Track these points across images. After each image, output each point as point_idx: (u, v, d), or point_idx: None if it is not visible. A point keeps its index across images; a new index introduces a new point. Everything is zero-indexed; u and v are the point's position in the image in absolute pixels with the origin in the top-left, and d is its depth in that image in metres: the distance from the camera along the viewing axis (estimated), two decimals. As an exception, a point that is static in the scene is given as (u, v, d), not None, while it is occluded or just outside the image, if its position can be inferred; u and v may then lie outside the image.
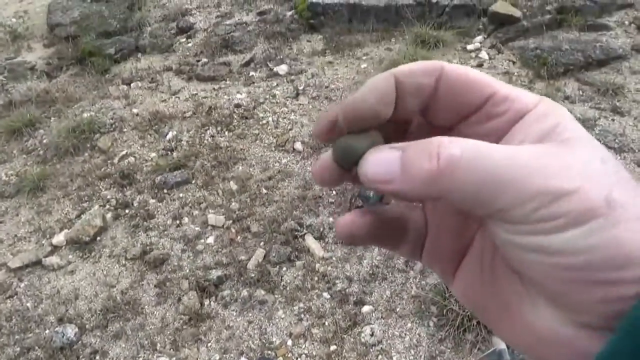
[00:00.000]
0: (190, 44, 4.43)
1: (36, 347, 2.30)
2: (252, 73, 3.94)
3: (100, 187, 3.12)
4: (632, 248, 0.22)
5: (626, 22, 3.87)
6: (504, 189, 0.23)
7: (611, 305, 0.22)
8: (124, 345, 2.29)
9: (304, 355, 2.16)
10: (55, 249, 2.78)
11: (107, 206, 2.98)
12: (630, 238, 0.22)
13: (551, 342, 0.25)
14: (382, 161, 0.26)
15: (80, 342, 2.32)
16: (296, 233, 2.64)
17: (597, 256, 0.22)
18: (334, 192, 2.86)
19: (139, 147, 3.38)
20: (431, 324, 2.20)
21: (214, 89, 3.82)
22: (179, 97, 3.78)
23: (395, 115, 0.29)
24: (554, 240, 0.23)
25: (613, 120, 3.11)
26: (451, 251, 0.32)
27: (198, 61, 4.16)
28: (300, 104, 3.56)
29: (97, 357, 2.25)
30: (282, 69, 3.90)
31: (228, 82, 3.89)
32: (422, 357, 2.09)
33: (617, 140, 2.95)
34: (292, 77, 3.83)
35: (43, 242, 2.83)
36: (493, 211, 0.24)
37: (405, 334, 2.18)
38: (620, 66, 3.51)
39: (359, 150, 0.28)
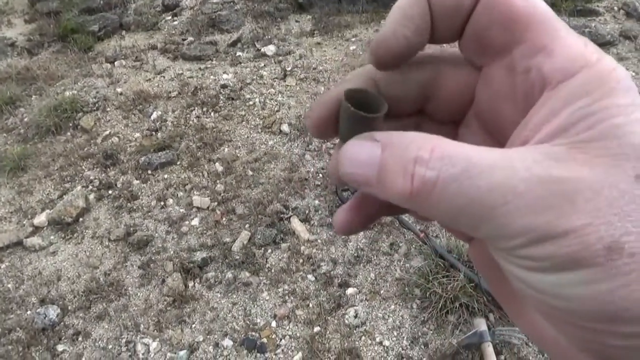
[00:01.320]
0: (176, 22, 4.34)
1: (17, 328, 2.28)
2: (239, 53, 3.87)
3: (83, 167, 3.07)
4: (625, 305, 0.18)
5: (615, 8, 3.87)
6: (486, 219, 0.19)
7: (601, 350, 0.20)
8: (107, 327, 2.27)
9: (288, 337, 2.17)
10: (36, 229, 2.74)
11: (90, 187, 2.93)
12: (627, 295, 0.17)
13: (550, 346, 0.23)
14: (360, 160, 0.22)
15: (62, 323, 2.30)
16: (282, 215, 2.63)
17: (581, 306, 0.19)
18: (320, 175, 2.85)
19: (122, 127, 3.33)
20: (414, 306, 2.21)
21: (200, 68, 3.75)
22: (164, 77, 3.71)
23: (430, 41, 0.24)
24: (537, 279, 0.19)
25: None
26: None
27: (184, 40, 4.08)
28: (288, 86, 3.52)
29: (80, 338, 2.24)
30: (270, 49, 3.84)
31: (214, 62, 3.82)
32: (405, 338, 2.11)
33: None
34: (280, 57, 3.77)
35: (24, 222, 2.78)
36: (476, 235, 0.21)
37: (388, 316, 2.20)
38: (608, 52, 3.51)
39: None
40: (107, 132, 3.28)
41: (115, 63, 3.92)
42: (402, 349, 2.08)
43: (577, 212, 0.18)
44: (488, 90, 0.25)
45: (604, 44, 3.53)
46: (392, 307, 2.23)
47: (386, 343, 2.10)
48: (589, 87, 0.19)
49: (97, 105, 3.50)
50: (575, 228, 0.18)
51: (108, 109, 3.47)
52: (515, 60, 0.22)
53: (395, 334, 2.13)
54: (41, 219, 2.76)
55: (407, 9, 0.23)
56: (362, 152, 0.22)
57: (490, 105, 0.25)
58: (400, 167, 0.21)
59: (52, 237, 2.70)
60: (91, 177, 2.97)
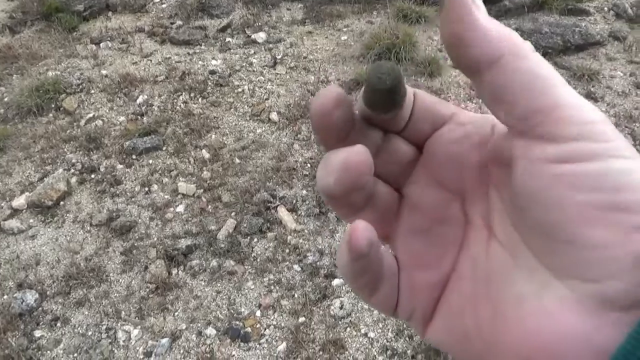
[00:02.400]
0: (164, 5, 4.24)
1: (-7, 313, 2.22)
2: (228, 39, 3.80)
3: (65, 150, 2.99)
4: None
5: (605, 9, 3.90)
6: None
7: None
8: (87, 313, 2.22)
9: (272, 326, 2.15)
10: (15, 212, 2.66)
11: (72, 170, 2.86)
12: None
13: (561, 346, 0.20)
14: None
15: (40, 308, 2.24)
16: (269, 204, 2.60)
17: (634, 197, 0.19)
18: (309, 165, 2.82)
19: (107, 110, 3.25)
20: (400, 298, 2.21)
21: (188, 53, 3.68)
22: (151, 60, 3.63)
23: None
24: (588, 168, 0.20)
25: (587, 105, 3.15)
26: (430, 284, 0.28)
27: (172, 24, 3.99)
28: (278, 74, 3.47)
29: (58, 324, 2.18)
30: (260, 36, 3.78)
31: (203, 47, 3.75)
32: (390, 330, 2.11)
33: (589, 125, 2.99)
34: (270, 45, 3.72)
35: (2, 204, 2.70)
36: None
37: (373, 308, 2.19)
38: (597, 52, 3.54)
39: (402, 91, 0.26)
40: (91, 115, 3.20)
41: (101, 45, 3.82)
42: (387, 341, 2.07)
43: None
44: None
45: (594, 44, 3.56)
46: (378, 299, 2.22)
47: (371, 335, 2.09)
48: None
49: (80, 87, 3.40)
50: None
51: (92, 91, 3.38)
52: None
53: (380, 325, 2.13)
54: (20, 201, 2.68)
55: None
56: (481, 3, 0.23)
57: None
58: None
59: (31, 221, 2.62)
60: (73, 160, 2.90)
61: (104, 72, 3.53)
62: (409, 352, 2.03)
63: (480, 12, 0.22)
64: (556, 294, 0.21)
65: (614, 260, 0.19)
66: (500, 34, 0.22)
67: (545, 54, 3.47)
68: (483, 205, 0.27)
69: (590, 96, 3.19)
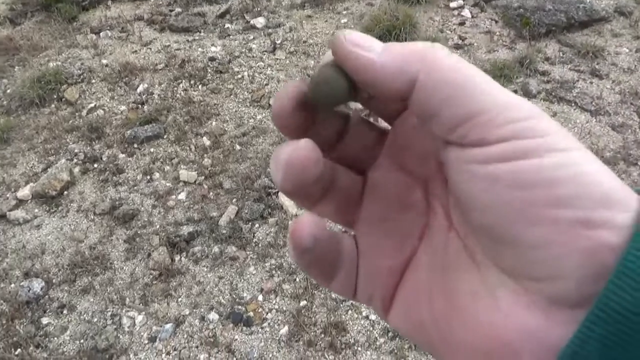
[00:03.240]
0: (163, -7, 4.21)
1: (1, 301, 2.26)
2: (227, 25, 3.78)
3: (68, 140, 3.01)
4: (610, 187, 0.19)
5: (611, -17, 3.80)
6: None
7: (590, 259, 0.18)
8: (92, 300, 2.26)
9: (274, 310, 2.17)
10: (20, 202, 2.69)
11: (75, 160, 2.88)
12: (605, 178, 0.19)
13: (515, 344, 0.21)
14: (366, 44, 0.23)
15: (47, 296, 2.28)
16: (270, 190, 2.60)
17: (570, 190, 0.19)
18: (309, 150, 2.81)
19: (108, 100, 3.25)
20: (401, 281, 2.22)
21: (187, 40, 3.67)
22: (150, 49, 3.62)
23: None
24: (520, 168, 0.19)
25: (591, 82, 3.10)
26: (387, 268, 0.28)
27: (171, 11, 3.97)
28: (277, 59, 3.45)
29: (65, 311, 2.22)
30: (259, 21, 3.75)
31: (202, 34, 3.73)
32: (391, 312, 2.12)
33: (593, 103, 2.95)
34: (270, 30, 3.69)
35: (7, 195, 2.73)
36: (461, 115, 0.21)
37: (375, 291, 2.20)
38: (602, 28, 3.47)
39: (345, 85, 0.24)
40: (92, 105, 3.21)
41: (101, 34, 3.81)
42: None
43: None
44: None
45: (598, 20, 3.49)
46: (379, 281, 2.23)
47: (372, 317, 2.11)
48: None
49: (81, 77, 3.41)
50: None
51: (93, 81, 3.39)
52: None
53: (381, 308, 2.14)
54: (25, 192, 2.71)
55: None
56: (367, 39, 0.23)
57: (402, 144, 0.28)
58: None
59: (36, 211, 2.65)
60: (76, 150, 2.92)
61: (104, 61, 3.53)
62: (410, 333, 2.04)
63: (366, 51, 0.22)
64: (508, 292, 0.21)
65: (558, 259, 0.19)
66: (403, 57, 0.22)
67: (548, 32, 3.42)
68: (444, 194, 0.26)
69: (594, 74, 3.14)
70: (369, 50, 0.22)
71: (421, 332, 0.26)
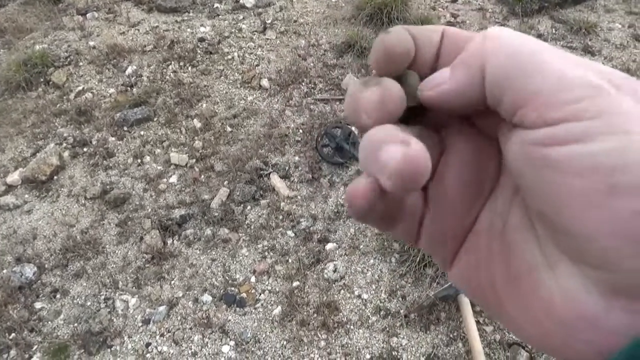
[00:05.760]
0: (150, -28, 4.12)
1: (-6, 287, 2.26)
2: (216, 5, 3.71)
3: (56, 124, 2.97)
4: None
5: (605, -42, 3.75)
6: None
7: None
8: (85, 284, 2.26)
9: (267, 291, 2.18)
10: (10, 188, 2.67)
11: (64, 144, 2.85)
12: None
13: (572, 323, 0.20)
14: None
15: (39, 281, 2.28)
16: (261, 172, 2.59)
17: (628, 178, 0.17)
18: (301, 131, 2.80)
19: (96, 83, 3.21)
20: (393, 260, 2.23)
21: (176, 21, 3.60)
22: (138, 30, 3.56)
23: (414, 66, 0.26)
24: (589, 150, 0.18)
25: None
26: (454, 229, 0.28)
27: (159, -9, 3.89)
28: (268, 39, 3.40)
29: (58, 296, 2.22)
30: (249, 1, 3.68)
31: (191, 14, 3.67)
32: (383, 291, 2.13)
33: (585, 80, 2.93)
34: (260, 10, 3.63)
35: (-3, 181, 2.71)
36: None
37: (367, 270, 2.21)
38: (595, 4, 3.44)
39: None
40: (80, 88, 3.16)
41: (87, 15, 3.74)
42: (380, 302, 2.10)
43: None
44: None
45: (592, -4, 3.45)
46: (371, 261, 2.24)
47: (365, 296, 2.12)
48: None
49: (69, 59, 3.35)
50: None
51: (80, 64, 3.33)
52: None
53: (373, 287, 2.15)
54: (14, 177, 2.69)
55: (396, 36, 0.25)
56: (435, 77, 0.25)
57: None
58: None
59: (26, 196, 2.64)
60: (65, 134, 2.89)
61: (91, 43, 3.47)
62: (402, 311, 2.06)
63: (439, 86, 0.24)
64: (568, 271, 0.20)
65: (617, 251, 0.18)
66: (466, 66, 0.23)
67: (541, 8, 3.38)
68: None
69: (587, 50, 3.12)
70: (441, 83, 0.24)
71: (479, 293, 0.27)
